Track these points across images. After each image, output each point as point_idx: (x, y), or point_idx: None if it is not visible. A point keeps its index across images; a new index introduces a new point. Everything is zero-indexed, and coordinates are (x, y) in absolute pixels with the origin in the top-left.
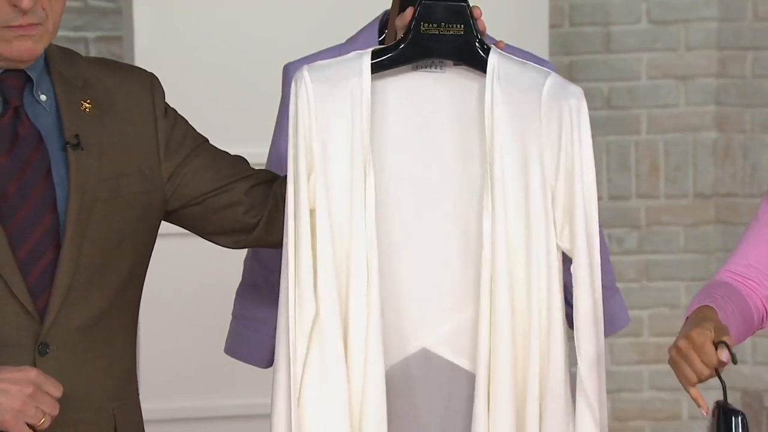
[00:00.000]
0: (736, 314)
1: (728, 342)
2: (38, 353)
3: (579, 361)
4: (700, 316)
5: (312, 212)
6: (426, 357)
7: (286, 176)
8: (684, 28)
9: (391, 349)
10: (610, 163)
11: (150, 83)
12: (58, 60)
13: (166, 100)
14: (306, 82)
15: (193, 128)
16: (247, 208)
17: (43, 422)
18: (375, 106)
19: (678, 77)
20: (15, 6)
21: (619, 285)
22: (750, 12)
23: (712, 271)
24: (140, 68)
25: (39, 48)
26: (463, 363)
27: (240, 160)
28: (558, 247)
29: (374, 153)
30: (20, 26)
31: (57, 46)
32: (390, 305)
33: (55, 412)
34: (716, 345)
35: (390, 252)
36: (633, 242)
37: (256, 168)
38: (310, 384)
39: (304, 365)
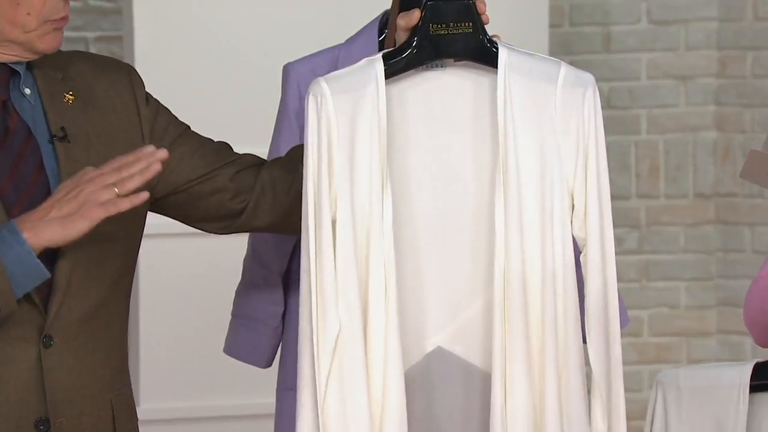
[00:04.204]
0: None
1: None
2: (43, 345)
3: (589, 351)
4: None
5: (332, 223)
6: (441, 355)
7: (272, 161)
8: (684, 28)
9: (411, 349)
10: (610, 163)
11: (128, 73)
12: None
13: (148, 90)
14: (325, 94)
15: (175, 116)
16: (233, 194)
17: (119, 194)
18: (392, 110)
19: (678, 77)
20: None
21: (619, 285)
22: (750, 12)
23: (712, 271)
24: (117, 59)
25: (57, 42)
26: (474, 359)
27: (224, 146)
28: (574, 239)
29: (395, 156)
30: (58, 20)
31: None
32: (411, 304)
33: (122, 181)
34: None
35: (411, 253)
36: (633, 242)
37: (242, 153)
38: (331, 402)
39: (328, 381)
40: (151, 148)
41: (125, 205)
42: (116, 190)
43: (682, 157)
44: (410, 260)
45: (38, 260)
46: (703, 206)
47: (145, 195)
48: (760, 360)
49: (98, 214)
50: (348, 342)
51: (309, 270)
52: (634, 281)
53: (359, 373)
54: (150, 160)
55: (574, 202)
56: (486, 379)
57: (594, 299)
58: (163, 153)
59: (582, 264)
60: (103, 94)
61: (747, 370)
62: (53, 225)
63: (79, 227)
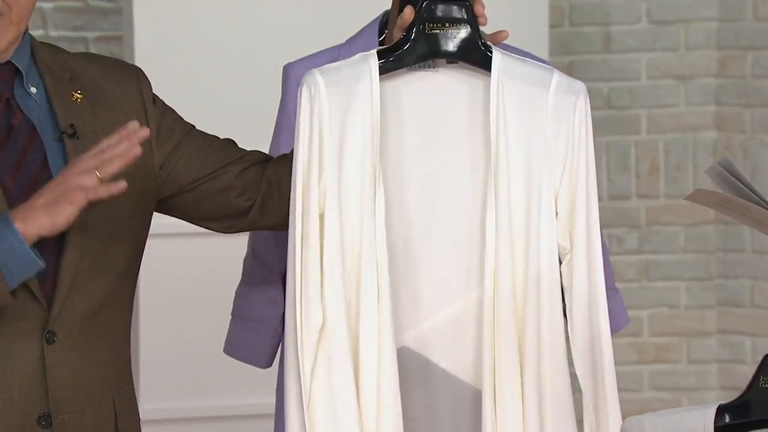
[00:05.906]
0: None
1: None
2: (46, 341)
3: (573, 354)
4: None
5: (321, 216)
6: (404, 355)
7: (278, 158)
8: (684, 28)
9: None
10: (610, 163)
11: (135, 74)
12: (43, 53)
13: (153, 91)
14: (319, 86)
15: (180, 117)
16: (240, 191)
17: (101, 177)
18: (386, 106)
19: (678, 77)
20: None
21: (619, 285)
22: (750, 12)
23: (712, 271)
24: (124, 61)
25: (1, 40)
26: (441, 362)
27: (230, 144)
28: (559, 245)
29: (386, 152)
30: None
31: (40, 41)
32: (396, 302)
33: (103, 164)
34: None
35: (400, 251)
36: (633, 242)
37: (249, 150)
38: (318, 394)
39: (312, 375)
40: (135, 124)
41: (103, 192)
42: (98, 174)
43: (682, 157)
44: (399, 258)
45: (30, 250)
46: (703, 206)
47: (122, 185)
48: (723, 402)
49: (80, 199)
50: (334, 337)
51: (294, 263)
52: (634, 281)
53: (345, 368)
54: (132, 141)
55: (557, 209)
56: (460, 384)
57: (578, 308)
58: (144, 131)
59: (563, 272)
60: (110, 95)
61: (710, 414)
62: (40, 212)
63: (64, 213)
